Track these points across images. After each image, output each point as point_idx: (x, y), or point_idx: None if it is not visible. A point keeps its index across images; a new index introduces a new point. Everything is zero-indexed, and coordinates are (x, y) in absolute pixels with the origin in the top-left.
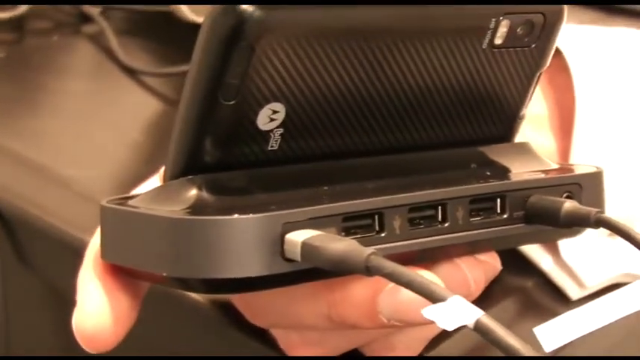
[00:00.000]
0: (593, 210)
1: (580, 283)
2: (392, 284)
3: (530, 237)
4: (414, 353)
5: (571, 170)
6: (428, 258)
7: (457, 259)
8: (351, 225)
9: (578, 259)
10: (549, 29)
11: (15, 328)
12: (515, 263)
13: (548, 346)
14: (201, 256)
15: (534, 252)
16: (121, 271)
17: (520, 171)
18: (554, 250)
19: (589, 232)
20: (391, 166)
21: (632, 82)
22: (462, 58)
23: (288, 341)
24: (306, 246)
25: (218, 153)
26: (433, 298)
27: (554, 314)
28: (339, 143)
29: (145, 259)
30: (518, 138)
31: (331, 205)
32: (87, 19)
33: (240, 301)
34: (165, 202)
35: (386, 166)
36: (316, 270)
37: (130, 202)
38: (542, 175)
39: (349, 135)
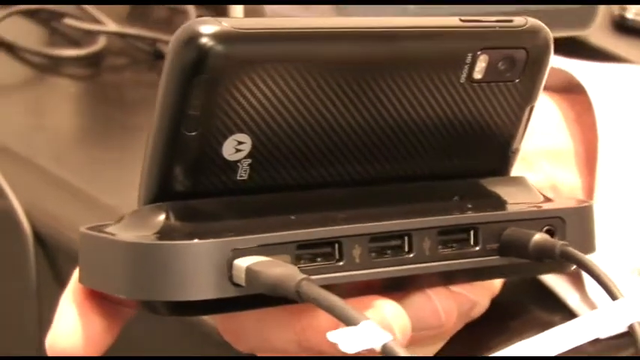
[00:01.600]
0: (559, 242)
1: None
2: None
3: (506, 270)
4: None
5: (559, 205)
6: (396, 288)
7: (429, 290)
8: (308, 253)
9: (604, 297)
10: (534, 64)
11: None
12: (545, 298)
13: None
14: (155, 280)
15: (561, 288)
16: (98, 295)
17: (505, 204)
18: (580, 287)
19: (618, 270)
20: (365, 197)
21: None
22: (438, 92)
23: None
24: (249, 271)
25: (187, 181)
26: (349, 322)
27: (579, 351)
28: (311, 174)
29: (108, 283)
30: (538, 173)
31: (282, 232)
32: (161, 56)
33: (221, 325)
34: (135, 228)
35: (359, 197)
36: (264, 296)
37: (106, 227)
38: (522, 209)
39: (321, 166)
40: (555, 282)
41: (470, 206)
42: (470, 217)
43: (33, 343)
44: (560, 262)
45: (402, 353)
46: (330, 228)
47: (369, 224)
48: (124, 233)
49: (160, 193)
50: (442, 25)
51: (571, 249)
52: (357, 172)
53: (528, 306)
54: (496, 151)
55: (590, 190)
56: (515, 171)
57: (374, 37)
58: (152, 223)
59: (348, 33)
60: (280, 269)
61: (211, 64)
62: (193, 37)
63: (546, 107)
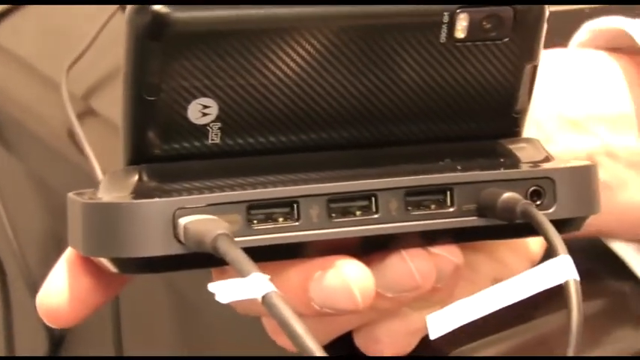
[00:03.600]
0: (521, 201)
1: None
2: (320, 271)
3: (487, 231)
4: (401, 348)
5: (550, 165)
6: (369, 249)
7: (404, 252)
8: (262, 213)
9: None
10: (525, 22)
11: None
12: (617, 266)
13: (434, 334)
14: (105, 238)
15: (630, 256)
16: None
17: (496, 166)
18: None
19: None
20: (341, 160)
21: None
22: (417, 53)
23: (269, 327)
24: (185, 228)
25: (161, 145)
26: (241, 274)
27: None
28: (288, 138)
29: (74, 241)
30: (593, 138)
31: (230, 192)
32: None
33: None
34: (109, 190)
35: (334, 159)
36: (212, 255)
37: (88, 191)
38: (506, 169)
39: (299, 130)
40: (623, 250)
41: (458, 167)
42: (442, 177)
43: None
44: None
45: (282, 306)
46: (283, 189)
47: (326, 185)
48: (99, 195)
49: (137, 155)
50: None
51: (531, 208)
52: (341, 136)
53: (599, 274)
54: (497, 112)
55: None
56: (566, 136)
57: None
58: (125, 185)
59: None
60: (206, 225)
61: (165, 30)
62: (146, 4)
63: (608, 70)
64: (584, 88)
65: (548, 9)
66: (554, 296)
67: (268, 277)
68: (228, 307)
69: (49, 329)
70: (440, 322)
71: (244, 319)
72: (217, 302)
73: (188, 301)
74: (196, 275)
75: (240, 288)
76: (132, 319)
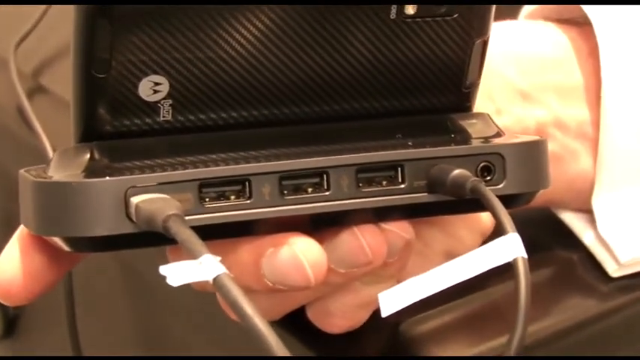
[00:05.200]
0: (471, 177)
1: (616, 259)
2: (272, 248)
3: (437, 207)
4: (353, 321)
5: (500, 141)
6: (321, 225)
7: (355, 227)
8: (214, 191)
9: (615, 235)
10: None
11: None
12: (566, 236)
13: (386, 311)
14: (57, 217)
15: (577, 226)
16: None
17: (446, 141)
18: (594, 224)
19: (631, 208)
20: (293, 136)
21: None
22: (368, 30)
23: (223, 303)
24: (136, 207)
25: (112, 121)
26: (192, 256)
27: (592, 288)
28: (239, 115)
29: (26, 220)
30: (542, 108)
31: (181, 171)
32: None
33: None
34: (62, 167)
35: (286, 136)
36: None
37: (39, 167)
38: (457, 145)
39: (250, 107)
40: (572, 220)
41: (409, 143)
42: (393, 154)
43: None
44: None
45: (232, 287)
46: (234, 167)
47: (277, 162)
48: (50, 173)
49: (88, 132)
50: None
51: (480, 185)
52: (293, 112)
53: (549, 244)
54: (448, 87)
55: (599, 124)
56: (517, 107)
57: None
58: (76, 163)
59: None
60: (157, 204)
61: (113, 6)
62: None
63: (558, 41)
64: (534, 60)
65: None
66: (505, 266)
67: (219, 258)
68: (183, 284)
69: (3, 308)
70: (391, 300)
71: (199, 295)
72: None
73: (143, 278)
74: (150, 252)
75: (191, 270)
76: (85, 297)
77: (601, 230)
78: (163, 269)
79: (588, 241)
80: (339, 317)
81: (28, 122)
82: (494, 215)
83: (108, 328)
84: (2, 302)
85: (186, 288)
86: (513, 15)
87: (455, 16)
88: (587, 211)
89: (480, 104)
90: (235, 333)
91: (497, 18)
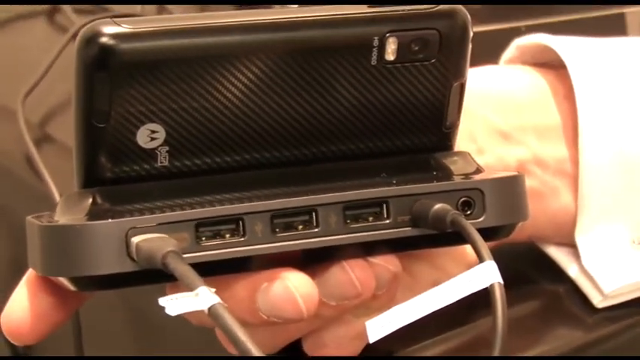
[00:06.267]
0: (451, 211)
1: (600, 291)
2: (266, 283)
3: (421, 241)
4: (347, 351)
5: (478, 177)
6: (312, 261)
7: (345, 262)
8: (210, 230)
9: (599, 267)
10: (450, 44)
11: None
12: (552, 269)
13: (373, 337)
14: (61, 258)
15: (562, 259)
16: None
17: (428, 178)
18: (578, 258)
19: (613, 241)
20: (281, 178)
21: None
22: (350, 75)
23: (222, 338)
24: (137, 246)
25: (112, 168)
26: (189, 288)
27: (578, 320)
28: (232, 159)
29: (34, 262)
30: (523, 148)
31: (178, 212)
32: None
33: None
34: (66, 212)
35: (275, 178)
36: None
37: (46, 214)
38: (438, 182)
39: (241, 151)
40: (556, 253)
41: (394, 182)
42: (378, 191)
43: None
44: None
45: (226, 316)
46: (229, 207)
47: (269, 202)
48: (56, 217)
49: (90, 178)
50: (347, 11)
51: (459, 218)
52: (283, 155)
53: (535, 277)
54: (429, 128)
55: (577, 162)
56: (497, 147)
57: (274, 27)
58: (79, 207)
59: (246, 25)
60: (155, 243)
61: (111, 61)
62: (94, 37)
63: (535, 83)
64: (513, 101)
65: (472, 31)
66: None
67: (214, 290)
68: (186, 322)
69: (12, 347)
70: (377, 327)
71: (202, 332)
72: (176, 317)
73: (148, 316)
74: (154, 290)
75: (187, 301)
76: (93, 335)
77: (585, 263)
78: (162, 301)
79: (573, 273)
80: (333, 348)
81: (36, 170)
82: (472, 244)
83: None
84: (12, 342)
85: (190, 325)
86: (494, 61)
87: (433, 61)
88: (571, 245)
89: (462, 144)
90: None
91: (479, 64)
